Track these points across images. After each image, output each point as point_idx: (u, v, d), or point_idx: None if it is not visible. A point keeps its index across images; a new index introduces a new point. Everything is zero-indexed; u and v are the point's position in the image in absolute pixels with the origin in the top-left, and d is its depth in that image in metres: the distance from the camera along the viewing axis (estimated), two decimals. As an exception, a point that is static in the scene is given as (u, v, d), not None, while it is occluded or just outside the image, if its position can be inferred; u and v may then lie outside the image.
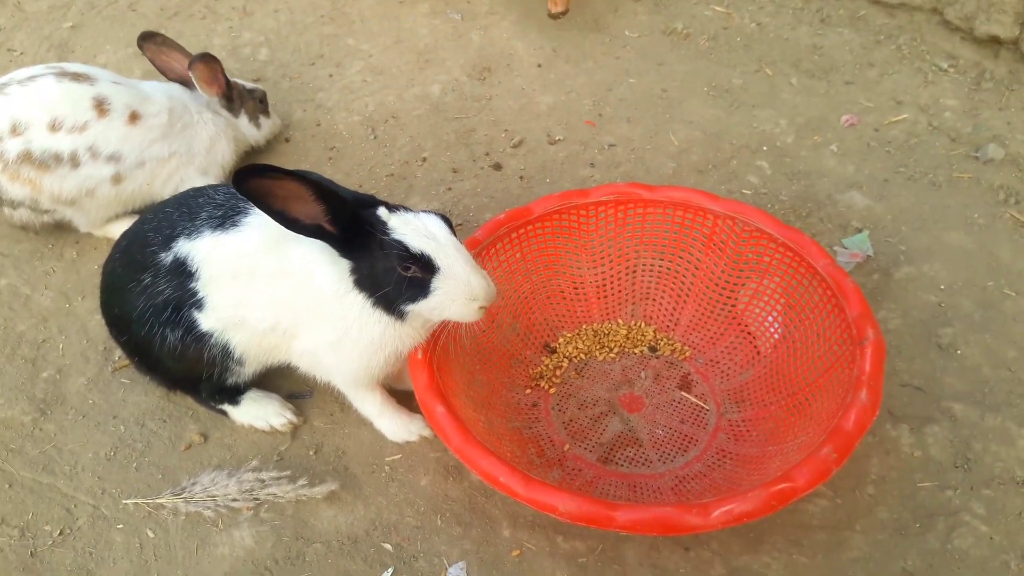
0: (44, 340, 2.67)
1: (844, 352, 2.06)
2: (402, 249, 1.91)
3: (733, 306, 2.48)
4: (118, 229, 2.87)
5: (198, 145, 3.02)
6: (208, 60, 2.97)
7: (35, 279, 2.87)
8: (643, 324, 2.62)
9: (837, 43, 3.78)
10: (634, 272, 2.63)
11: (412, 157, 3.35)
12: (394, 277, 1.95)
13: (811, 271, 2.25)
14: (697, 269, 2.56)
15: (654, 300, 2.63)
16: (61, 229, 2.95)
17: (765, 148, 3.32)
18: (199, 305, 2.14)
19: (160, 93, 2.94)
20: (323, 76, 3.73)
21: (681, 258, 2.58)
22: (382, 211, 1.97)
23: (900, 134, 3.26)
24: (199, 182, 3.00)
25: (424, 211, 2.01)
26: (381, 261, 1.94)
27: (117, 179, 2.80)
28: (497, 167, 3.30)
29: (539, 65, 3.74)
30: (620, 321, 2.63)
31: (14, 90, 2.68)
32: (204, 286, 2.12)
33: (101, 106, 2.72)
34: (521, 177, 3.26)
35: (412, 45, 3.88)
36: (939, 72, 3.53)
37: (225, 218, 2.12)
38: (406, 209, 2.01)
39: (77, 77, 2.73)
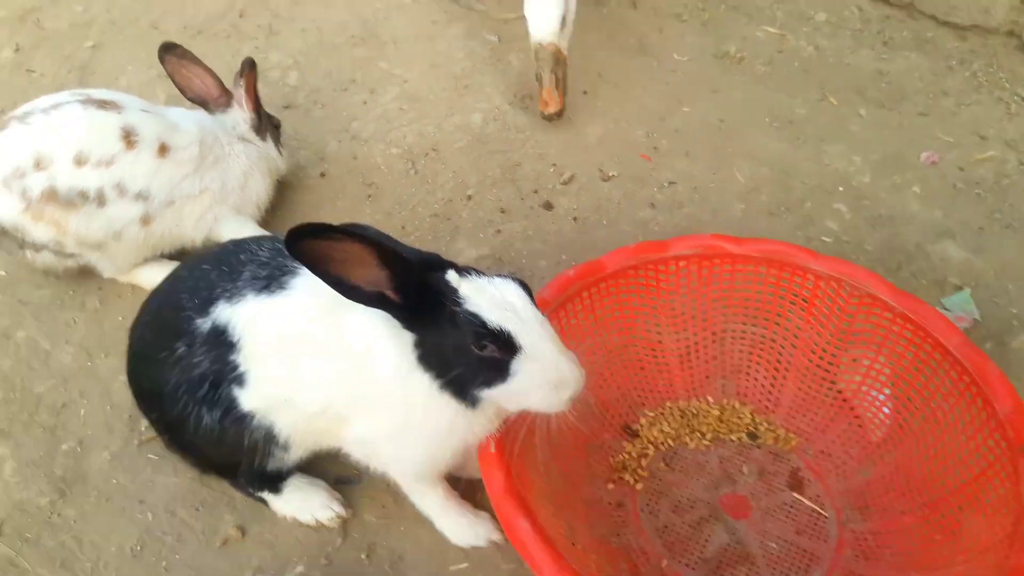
0: (64, 405, 2.44)
1: (997, 458, 1.79)
2: (478, 324, 1.65)
3: (842, 388, 2.22)
4: (145, 276, 2.66)
5: (232, 180, 2.77)
6: (254, 66, 2.74)
7: (56, 332, 2.64)
8: (737, 404, 2.34)
9: (904, 69, 3.55)
10: (722, 340, 2.37)
11: (456, 194, 3.12)
12: (467, 357, 1.68)
13: (939, 349, 1.98)
14: (796, 339, 2.29)
15: (748, 374, 2.36)
16: (83, 274, 2.71)
17: (841, 189, 3.08)
18: (240, 381, 1.89)
19: (189, 122, 2.70)
20: (357, 103, 3.49)
21: (778, 324, 2.32)
22: (452, 275, 1.72)
23: (988, 174, 3.02)
24: (233, 222, 2.76)
25: (499, 275, 1.76)
26: (452, 336, 1.69)
27: (146, 220, 2.55)
28: (548, 206, 3.07)
29: (584, 92, 3.51)
30: (710, 399, 2.36)
31: (37, 120, 2.44)
32: (246, 359, 1.87)
33: (129, 137, 2.47)
34: (575, 218, 3.02)
35: (448, 70, 3.64)
36: (1023, 103, 3.29)
37: (271, 279, 1.87)
38: (477, 272, 1.76)
39: (104, 105, 2.49)
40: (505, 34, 3.79)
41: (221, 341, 1.86)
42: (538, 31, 3.01)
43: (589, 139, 3.30)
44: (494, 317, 1.65)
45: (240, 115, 2.82)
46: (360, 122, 3.41)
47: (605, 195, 3.10)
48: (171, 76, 2.76)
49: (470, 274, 1.73)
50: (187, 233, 2.70)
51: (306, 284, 1.84)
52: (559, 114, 3.17)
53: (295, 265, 1.87)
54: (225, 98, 2.82)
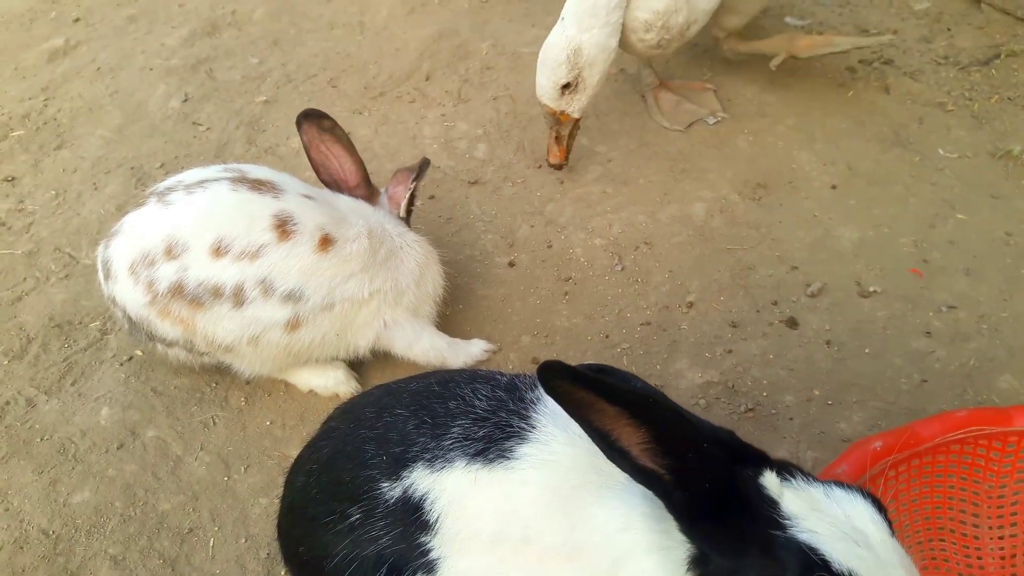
0: (191, 530, 1.97)
1: None
2: (814, 564, 1.05)
3: None
4: (303, 378, 2.20)
5: (405, 277, 2.26)
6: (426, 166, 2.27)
7: (190, 433, 2.18)
8: (1079, 631, 1.66)
9: None
10: (1064, 541, 1.70)
11: (674, 300, 2.54)
12: None
13: None
14: None
15: (1097, 590, 1.68)
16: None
17: None
18: (430, 570, 1.34)
19: (357, 212, 2.24)
20: (552, 182, 2.99)
21: None
22: (770, 479, 1.14)
23: None
24: (408, 328, 2.26)
25: (838, 485, 1.16)
26: (764, 572, 1.10)
27: (294, 325, 2.07)
28: (792, 324, 2.45)
29: (833, 187, 2.89)
30: (1041, 619, 1.69)
31: (178, 198, 2.03)
32: (443, 545, 1.33)
33: (284, 226, 2.02)
34: (828, 342, 2.39)
35: (661, 149, 3.11)
36: None
37: (491, 442, 1.34)
38: (806, 475, 1.17)
39: (258, 185, 2.06)
40: (732, 110, 3.23)
41: (414, 517, 1.35)
42: (537, 91, 2.74)
43: (842, 243, 2.67)
44: (840, 555, 1.06)
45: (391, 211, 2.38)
46: (556, 204, 2.90)
47: (866, 315, 2.45)
48: (306, 149, 2.35)
49: (794, 477, 1.15)
50: (348, 342, 2.22)
51: (540, 456, 1.30)
52: (559, 167, 2.91)
53: (524, 426, 1.34)
54: (364, 190, 2.37)
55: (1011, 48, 3.44)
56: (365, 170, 2.37)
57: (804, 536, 1.08)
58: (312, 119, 2.29)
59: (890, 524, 1.14)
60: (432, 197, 2.92)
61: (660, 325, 2.47)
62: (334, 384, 2.23)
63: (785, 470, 1.17)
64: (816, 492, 1.14)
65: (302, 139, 2.33)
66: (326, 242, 2.08)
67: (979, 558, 1.74)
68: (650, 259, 2.67)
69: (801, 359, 2.35)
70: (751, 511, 1.12)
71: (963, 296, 2.50)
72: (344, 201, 2.28)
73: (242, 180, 2.07)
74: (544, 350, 2.43)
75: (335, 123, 2.30)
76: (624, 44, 2.80)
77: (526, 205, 2.91)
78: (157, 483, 2.07)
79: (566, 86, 2.66)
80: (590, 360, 2.38)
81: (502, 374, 1.52)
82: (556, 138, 2.82)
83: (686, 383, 2.31)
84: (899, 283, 2.54)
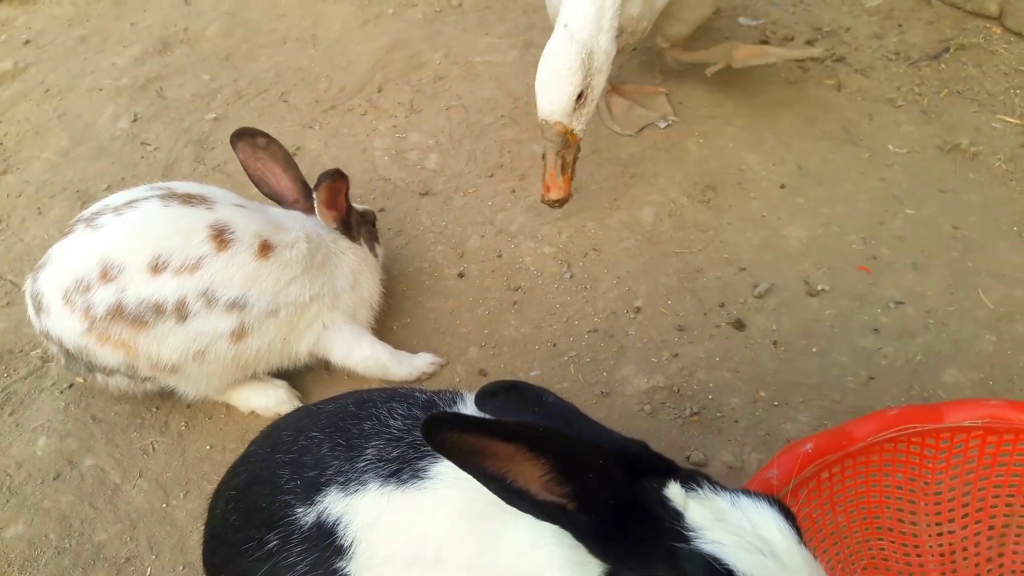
0: (127, 560, 1.94)
1: None
2: (718, 574, 1.04)
3: None
4: (241, 398, 2.17)
5: (341, 281, 2.28)
6: (338, 178, 2.24)
7: (128, 460, 2.15)
8: (1019, 626, 1.66)
9: None
10: (1002, 538, 1.69)
11: (621, 306, 2.53)
12: None
13: None
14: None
15: (1036, 584, 1.68)
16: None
17: None
18: None
19: (291, 219, 2.25)
20: (504, 191, 2.97)
21: (1089, 523, 1.63)
22: (674, 490, 1.13)
23: None
24: (347, 332, 2.26)
25: (744, 493, 1.15)
26: None
27: (239, 334, 2.05)
28: (739, 325, 2.44)
29: (782, 186, 2.88)
30: (981, 616, 1.68)
31: (107, 221, 2.00)
32: (360, 570, 1.31)
33: (221, 236, 2.01)
34: (775, 342, 2.38)
35: (613, 155, 3.09)
36: None
37: (404, 462, 1.32)
38: (713, 484, 1.15)
39: (189, 199, 2.04)
40: (683, 113, 3.22)
41: (328, 542, 1.32)
42: (545, 108, 2.34)
43: (790, 243, 2.66)
44: (744, 565, 1.04)
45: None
46: (507, 213, 2.88)
47: (813, 315, 2.45)
48: (243, 165, 2.32)
49: (700, 487, 1.13)
50: (290, 348, 2.20)
51: (453, 474, 1.26)
52: (562, 202, 2.47)
53: None
54: (305, 203, 2.35)
55: (960, 42, 3.45)
56: (304, 184, 2.35)
57: (708, 547, 1.07)
58: (246, 137, 2.27)
59: (798, 531, 1.13)
60: (382, 210, 2.90)
61: (608, 331, 2.46)
62: (275, 404, 2.21)
63: (692, 480, 1.16)
64: (722, 502, 1.13)
65: (238, 157, 2.31)
66: (265, 248, 2.07)
67: (918, 555, 1.73)
68: (599, 266, 2.66)
69: (747, 360, 2.34)
70: (655, 524, 1.11)
71: (910, 291, 2.50)
72: (276, 210, 2.28)
73: (172, 196, 2.05)
74: (492, 361, 2.42)
75: (270, 140, 2.28)
76: None
77: (477, 215, 2.90)
78: (94, 513, 2.04)
79: (579, 96, 2.36)
80: (536, 371, 2.37)
81: (423, 391, 1.51)
82: (562, 165, 2.44)
83: (632, 389, 2.30)
84: (847, 281, 2.53)
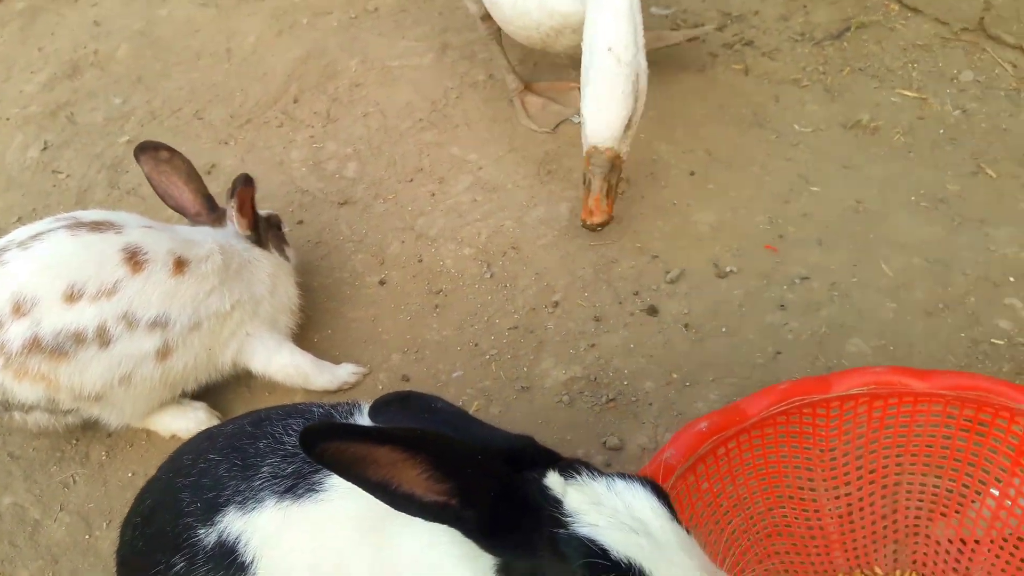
0: (53, 592, 1.95)
1: None
2: (592, 554, 1.10)
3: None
4: (163, 423, 2.19)
5: (259, 287, 2.31)
6: (251, 183, 2.27)
7: (49, 495, 2.16)
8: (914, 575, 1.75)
9: (1079, 132, 2.91)
10: (894, 496, 1.78)
11: (540, 301, 2.58)
12: None
13: None
14: (996, 493, 1.69)
15: (927, 537, 1.77)
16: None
17: (1012, 279, 2.46)
18: None
19: (201, 234, 2.28)
20: (424, 195, 3.01)
21: (970, 476, 1.73)
22: (553, 479, 1.18)
23: None
24: (269, 340, 2.29)
25: (621, 476, 1.20)
26: (553, 570, 1.14)
27: (164, 353, 2.08)
28: (652, 311, 2.51)
29: (692, 173, 2.96)
30: (878, 571, 1.77)
31: (13, 256, 2.00)
32: None
33: (135, 257, 2.03)
34: (686, 325, 2.45)
35: (530, 153, 3.15)
36: None
37: (300, 477, 1.36)
38: (591, 471, 1.21)
39: (98, 227, 2.05)
40: (592, 110, 3.28)
41: (230, 561, 1.36)
42: (597, 134, 2.31)
43: (700, 228, 2.74)
44: (618, 544, 1.10)
45: (234, 230, 2.37)
46: (427, 217, 2.92)
47: (723, 296, 2.52)
48: (148, 179, 2.35)
49: (579, 474, 1.18)
50: (215, 360, 2.23)
51: (348, 485, 1.31)
52: (604, 225, 2.43)
53: None
54: (206, 216, 2.37)
55: (860, 20, 3.55)
56: (207, 195, 2.38)
57: (584, 530, 1.12)
58: (149, 151, 2.30)
59: (671, 509, 1.19)
60: (300, 222, 2.93)
61: (527, 327, 2.51)
62: (195, 425, 2.23)
63: (571, 468, 1.21)
64: (598, 486, 1.18)
65: (143, 170, 2.33)
66: (180, 264, 2.10)
67: (819, 519, 1.81)
68: (518, 263, 2.71)
69: (660, 345, 2.41)
70: (537, 513, 1.16)
71: (816, 267, 2.58)
72: (185, 228, 2.30)
73: (79, 225, 2.06)
74: (414, 366, 2.46)
75: (173, 153, 2.31)
76: (540, 43, 2.77)
77: (397, 221, 2.93)
78: (14, 551, 2.04)
79: (628, 119, 2.34)
80: (458, 372, 2.42)
81: (321, 406, 1.54)
82: (608, 190, 2.38)
83: (551, 381, 2.35)
84: (755, 261, 2.62)
